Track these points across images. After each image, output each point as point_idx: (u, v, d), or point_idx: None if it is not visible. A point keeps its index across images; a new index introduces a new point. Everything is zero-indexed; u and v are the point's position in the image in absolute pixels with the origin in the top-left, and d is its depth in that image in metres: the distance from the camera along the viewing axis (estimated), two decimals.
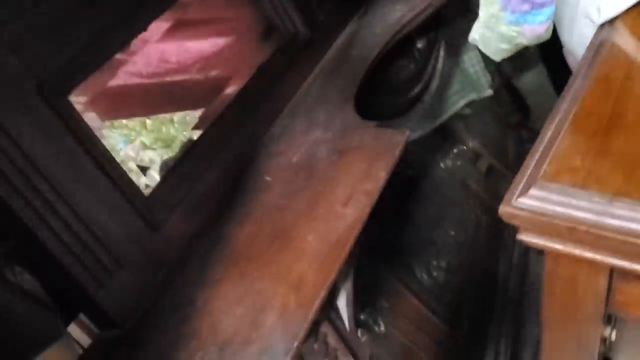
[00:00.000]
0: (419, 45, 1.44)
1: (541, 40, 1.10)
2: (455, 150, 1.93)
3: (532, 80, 2.03)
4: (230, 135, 0.97)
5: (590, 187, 0.61)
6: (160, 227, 0.84)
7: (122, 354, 0.76)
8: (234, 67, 1.16)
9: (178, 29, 1.14)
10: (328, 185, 0.81)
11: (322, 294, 0.65)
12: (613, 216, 0.59)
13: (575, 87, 0.75)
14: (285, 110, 1.05)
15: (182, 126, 1.43)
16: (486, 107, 1.96)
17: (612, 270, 0.64)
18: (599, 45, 0.81)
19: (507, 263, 1.89)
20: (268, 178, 0.89)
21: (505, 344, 1.79)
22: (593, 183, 0.62)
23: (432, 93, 1.57)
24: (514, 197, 0.64)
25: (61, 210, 0.74)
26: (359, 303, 1.02)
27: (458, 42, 1.73)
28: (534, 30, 1.03)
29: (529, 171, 0.66)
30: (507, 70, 1.95)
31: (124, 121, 1.43)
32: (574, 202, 0.61)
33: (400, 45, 1.42)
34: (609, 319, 0.70)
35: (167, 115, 1.43)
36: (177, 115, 1.44)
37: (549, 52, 1.58)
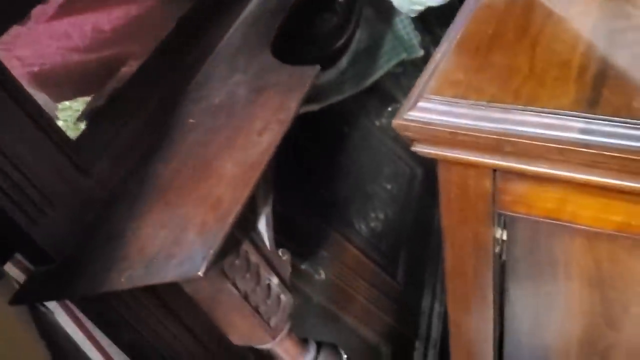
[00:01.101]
0: None
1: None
2: (389, 109, 2.00)
3: None
4: (154, 83, 1.02)
5: (469, 96, 0.69)
6: (89, 170, 0.88)
7: (57, 284, 0.81)
8: (160, 22, 1.20)
9: None
10: (246, 120, 0.87)
11: (238, 208, 0.71)
12: (489, 120, 0.67)
13: (462, 14, 0.82)
14: (209, 59, 1.10)
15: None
16: (417, 66, 2.02)
17: (495, 171, 0.72)
18: None
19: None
20: (192, 120, 0.94)
21: (441, 286, 1.89)
22: (472, 93, 0.69)
23: (356, 51, 1.63)
24: (405, 111, 0.72)
25: None
26: (297, 249, 1.08)
27: (388, 3, 1.78)
28: None
29: (419, 89, 0.73)
30: (436, 30, 2.01)
31: (68, 103, 1.43)
32: (455, 110, 0.69)
33: None
34: (500, 220, 0.78)
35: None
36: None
37: None
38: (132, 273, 0.72)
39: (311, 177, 1.65)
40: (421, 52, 1.82)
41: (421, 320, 1.82)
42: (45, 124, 0.85)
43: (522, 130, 0.65)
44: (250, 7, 1.20)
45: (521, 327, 0.90)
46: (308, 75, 0.88)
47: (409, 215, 1.96)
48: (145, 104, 1.00)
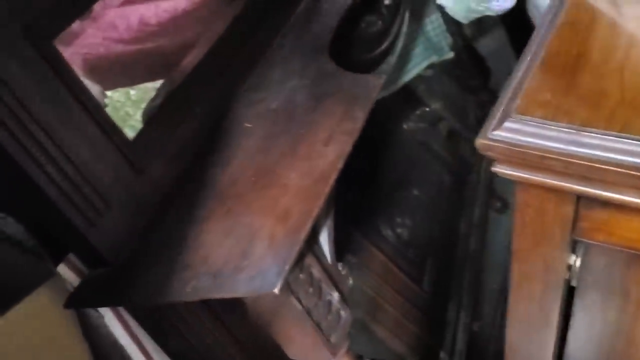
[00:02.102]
0: (387, 1, 1.47)
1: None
2: (417, 112, 1.97)
3: (493, 43, 2.07)
4: (207, 85, 0.99)
5: (559, 119, 0.66)
6: (144, 170, 0.86)
7: (112, 289, 0.79)
8: (209, 21, 1.18)
9: None
10: (308, 128, 0.85)
11: (309, 223, 0.69)
12: (580, 145, 0.64)
13: (542, 32, 0.80)
14: (261, 61, 1.07)
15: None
16: (447, 69, 1.99)
17: (579, 198, 0.70)
18: None
19: (467, 221, 1.95)
20: (248, 125, 0.92)
21: (467, 297, 1.86)
22: (562, 116, 0.67)
23: (397, 51, 1.60)
24: (490, 130, 0.69)
25: (52, 153, 0.75)
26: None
27: (421, 4, 1.76)
28: (502, 5, 1.07)
29: (502, 107, 0.71)
30: (468, 33, 1.98)
31: (109, 93, 1.41)
32: (544, 133, 0.66)
33: (369, 2, 1.45)
34: (575, 247, 0.76)
35: (151, 85, 1.41)
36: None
37: (509, 15, 1.63)
38: (198, 284, 0.69)
39: (338, 181, 1.62)
40: (451, 54, 1.80)
41: (447, 330, 1.79)
42: (104, 122, 0.83)
43: (615, 158, 0.63)
44: (300, 8, 1.18)
45: (583, 355, 0.88)
46: (374, 85, 0.86)
47: (436, 222, 1.93)
48: (200, 104, 0.98)
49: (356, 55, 1.46)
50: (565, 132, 0.65)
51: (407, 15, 1.69)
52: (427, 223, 1.90)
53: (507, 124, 0.68)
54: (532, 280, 0.81)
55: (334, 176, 0.73)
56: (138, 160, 0.85)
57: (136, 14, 1.26)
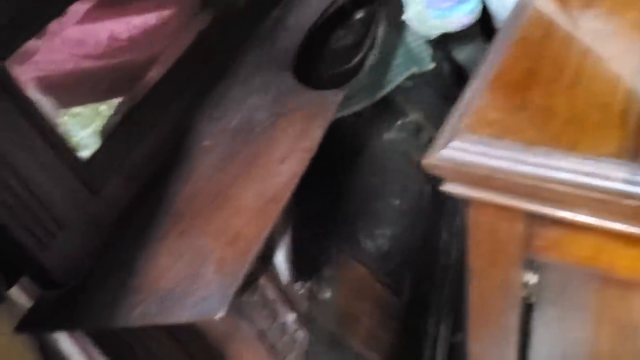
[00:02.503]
0: (357, 16, 1.46)
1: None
2: (398, 123, 1.96)
3: (473, 53, 2.07)
4: (168, 101, 0.99)
5: (506, 137, 0.66)
6: (100, 190, 0.85)
7: (65, 313, 0.78)
8: (176, 37, 1.17)
9: (113, 5, 1.15)
10: (266, 146, 0.84)
11: (258, 246, 0.68)
12: (526, 163, 0.64)
13: (496, 49, 0.79)
14: (224, 78, 1.06)
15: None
16: (428, 80, 1.99)
17: (529, 216, 0.69)
18: (521, 9, 0.85)
19: (448, 231, 1.95)
20: (207, 142, 0.91)
21: (447, 308, 1.85)
22: (509, 134, 0.66)
23: (371, 65, 1.60)
24: (437, 149, 0.68)
25: (2, 174, 0.74)
26: (298, 261, 1.05)
27: (400, 16, 1.75)
28: (461, 21, 1.07)
29: (451, 125, 0.70)
30: (448, 44, 1.98)
31: (78, 109, 1.39)
32: (490, 151, 0.65)
33: (339, 16, 1.44)
34: (531, 265, 0.75)
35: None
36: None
37: (489, 26, 1.63)
38: (146, 309, 0.69)
39: (316, 192, 1.62)
40: (432, 65, 1.79)
41: (426, 342, 1.78)
42: (57, 143, 0.82)
43: (562, 177, 0.62)
44: (266, 25, 1.17)
45: None
46: (332, 101, 0.85)
47: (416, 232, 1.92)
48: (160, 121, 0.97)
49: (327, 70, 1.46)
50: (512, 150, 0.65)
51: (381, 28, 1.69)
52: (407, 233, 1.89)
53: (454, 143, 0.67)
54: (489, 299, 0.80)
55: (287, 196, 0.73)
56: (93, 180, 0.85)
57: (106, 29, 1.25)
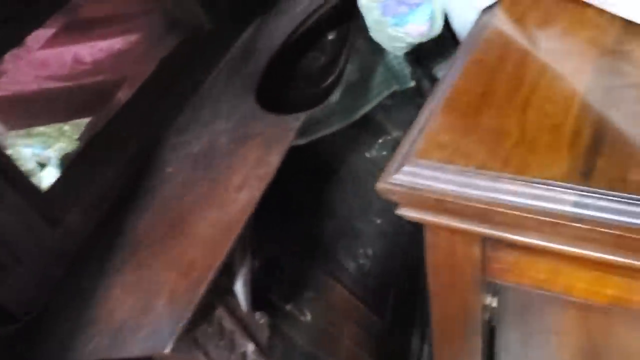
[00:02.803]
0: (330, 37, 1.46)
1: (430, 38, 1.14)
2: (380, 141, 1.96)
3: None
4: (132, 128, 0.98)
5: (456, 161, 0.65)
6: (59, 221, 0.84)
7: (22, 346, 0.76)
8: (142, 61, 1.17)
9: (79, 29, 1.15)
10: (225, 173, 0.83)
11: (210, 276, 0.67)
12: (475, 187, 0.63)
13: (452, 70, 0.79)
14: (191, 103, 1.06)
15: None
16: (408, 97, 1.99)
17: (484, 239, 0.68)
18: (478, 29, 0.85)
19: None
20: (169, 169, 0.90)
21: (431, 328, 1.84)
22: (459, 158, 0.66)
23: (347, 85, 1.60)
24: (390, 175, 0.68)
25: None
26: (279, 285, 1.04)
27: None
28: (418, 29, 1.07)
29: (404, 150, 0.70)
30: (428, 61, 1.98)
31: (42, 128, 1.38)
32: (441, 176, 0.65)
33: (311, 37, 1.44)
34: (490, 287, 0.74)
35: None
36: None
37: None
38: (99, 343, 0.68)
39: (297, 213, 1.61)
40: (412, 83, 1.79)
41: None
42: (14, 174, 0.81)
43: (511, 201, 0.62)
44: (235, 49, 1.17)
45: None
46: (291, 126, 0.85)
47: (399, 251, 1.91)
48: (123, 148, 0.97)
49: (300, 92, 1.45)
50: (462, 174, 0.64)
51: (357, 48, 1.69)
52: (389, 252, 1.88)
53: (405, 168, 0.67)
54: (452, 321, 0.79)
55: (241, 225, 0.72)
56: (52, 211, 0.84)
57: (70, 52, 1.24)
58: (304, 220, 1.62)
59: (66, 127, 1.37)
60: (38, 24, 0.88)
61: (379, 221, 1.87)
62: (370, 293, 1.73)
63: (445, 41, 1.85)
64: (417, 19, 1.04)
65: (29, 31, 0.89)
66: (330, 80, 1.51)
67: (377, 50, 1.78)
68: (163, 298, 0.68)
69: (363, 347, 1.64)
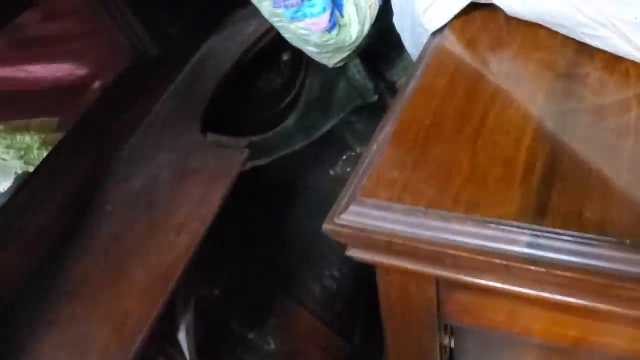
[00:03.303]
0: (285, 57, 1.42)
1: (334, 39, 1.10)
2: (344, 157, 1.93)
3: None
4: (72, 162, 0.93)
5: (405, 200, 0.61)
6: None
7: None
8: (82, 89, 1.11)
9: (14, 52, 1.09)
10: (166, 212, 0.79)
11: (145, 330, 0.62)
12: (425, 227, 0.59)
13: (402, 98, 0.75)
14: (136, 133, 1.01)
15: (40, 132, 1.29)
16: (372, 112, 1.96)
17: (438, 280, 0.64)
18: (428, 53, 0.81)
19: None
20: (109, 207, 0.85)
21: None
22: (408, 196, 0.62)
23: (305, 104, 1.56)
24: (337, 214, 0.64)
25: None
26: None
27: None
28: (317, 24, 1.02)
29: (352, 187, 0.66)
30: (390, 75, 1.96)
31: None
32: (389, 216, 0.61)
33: (265, 59, 1.40)
34: (446, 327, 0.71)
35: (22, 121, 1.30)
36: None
37: None
38: None
39: (259, 236, 1.57)
40: (375, 98, 1.76)
41: None
42: None
43: (462, 241, 0.58)
44: (183, 74, 1.12)
45: None
46: (235, 161, 0.80)
47: (365, 271, 1.86)
48: (60, 185, 0.91)
49: (257, 115, 1.41)
50: (411, 214, 0.60)
51: (314, 65, 1.66)
52: (357, 272, 1.84)
53: (352, 207, 0.63)
54: None
55: (178, 273, 0.67)
56: None
57: (11, 72, 1.18)
58: (266, 242, 1.58)
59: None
60: None
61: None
62: (337, 316, 1.69)
63: (406, 53, 1.82)
64: (314, 11, 0.99)
65: None
66: (286, 101, 1.48)
67: (340, 66, 1.75)
68: (95, 356, 0.63)
69: None
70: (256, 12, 1.18)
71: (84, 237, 0.82)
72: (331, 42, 1.12)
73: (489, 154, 0.64)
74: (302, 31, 1.06)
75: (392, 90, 2.00)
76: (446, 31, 0.84)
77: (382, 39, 1.42)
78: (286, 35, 1.11)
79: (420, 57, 0.82)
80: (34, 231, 0.85)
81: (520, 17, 0.79)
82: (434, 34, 0.86)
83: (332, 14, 1.05)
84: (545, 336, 0.64)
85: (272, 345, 1.53)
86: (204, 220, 0.72)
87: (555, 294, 0.57)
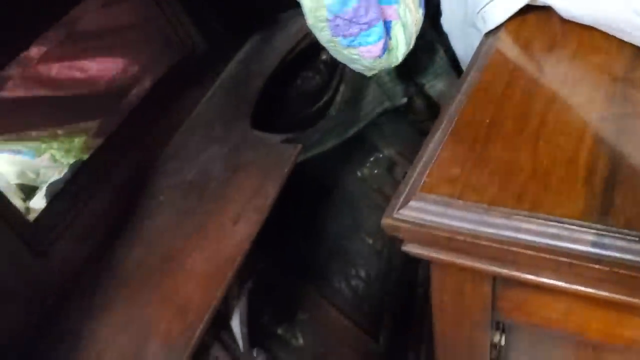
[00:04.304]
0: (324, 57, 1.44)
1: (383, 63, 1.12)
2: (371, 159, 1.94)
3: (445, 87, 2.05)
4: (124, 153, 0.95)
5: (466, 197, 0.62)
6: (46, 253, 0.80)
7: None
8: (130, 85, 1.13)
9: (71, 45, 1.11)
10: (220, 203, 0.80)
11: (206, 317, 0.64)
12: (488, 225, 0.60)
13: (458, 97, 0.76)
14: (183, 127, 1.02)
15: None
16: (401, 115, 1.97)
17: (495, 278, 0.65)
18: (483, 54, 0.82)
19: (425, 269, 1.91)
20: (161, 198, 0.87)
21: (426, 349, 1.81)
22: (470, 193, 0.62)
23: (340, 104, 1.57)
24: (395, 210, 0.64)
25: None
26: (261, 321, 1.00)
27: None
28: (370, 51, 1.05)
29: (410, 183, 0.66)
30: (420, 79, 1.97)
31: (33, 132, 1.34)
32: (451, 212, 0.62)
33: (306, 58, 1.42)
34: (498, 325, 0.71)
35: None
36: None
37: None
38: None
39: (289, 233, 1.58)
40: (404, 101, 1.77)
41: None
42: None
43: (526, 239, 0.59)
44: (228, 70, 1.14)
45: None
46: (288, 155, 0.81)
47: (392, 272, 1.88)
48: (114, 175, 0.93)
49: (295, 112, 1.43)
50: (473, 211, 0.61)
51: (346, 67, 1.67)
52: (383, 274, 1.85)
53: (412, 203, 0.63)
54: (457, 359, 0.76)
55: (238, 261, 0.68)
56: (38, 243, 0.80)
57: (56, 72, 1.20)
58: (296, 239, 1.59)
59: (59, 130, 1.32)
60: (35, 36, 0.84)
61: (370, 241, 1.84)
62: (364, 315, 1.70)
63: (436, 57, 1.83)
64: (369, 40, 1.02)
65: (27, 43, 0.85)
66: (324, 100, 1.49)
67: None
68: (157, 339, 0.65)
69: None
70: (299, 13, 1.20)
71: (137, 226, 0.84)
72: (380, 65, 1.14)
73: (550, 154, 0.64)
74: (355, 56, 1.08)
75: (422, 94, 2.00)
76: (501, 32, 0.84)
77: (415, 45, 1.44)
78: (337, 57, 1.13)
79: (475, 57, 0.83)
80: (86, 220, 0.87)
81: (577, 21, 0.79)
82: (487, 34, 0.86)
83: (385, 42, 1.07)
84: (599, 336, 0.64)
85: (301, 341, 1.54)
86: (261, 211, 0.73)
87: (616, 293, 0.58)
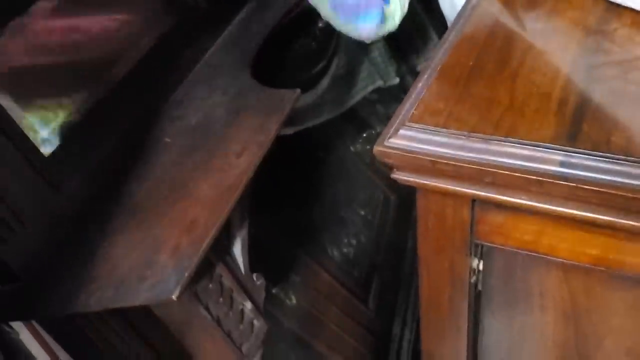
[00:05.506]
0: (320, 24, 1.50)
1: (380, 32, 1.18)
2: (364, 135, 2.00)
3: None
4: (130, 101, 1.01)
5: (450, 126, 0.69)
6: (61, 186, 0.86)
7: (23, 304, 0.78)
8: (137, 38, 1.19)
9: (76, 5, 1.16)
10: (224, 141, 0.86)
11: (213, 232, 0.70)
12: (469, 149, 0.67)
13: (445, 45, 0.83)
14: (187, 79, 1.09)
15: None
16: (393, 93, 2.03)
17: (474, 201, 0.72)
18: (470, 9, 0.89)
19: (414, 238, 1.97)
20: (167, 139, 0.93)
21: (412, 314, 1.88)
22: (453, 123, 0.69)
23: (334, 77, 1.63)
24: (386, 138, 0.71)
25: None
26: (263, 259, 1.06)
27: None
28: (366, 29, 1.12)
29: (400, 116, 0.73)
30: (412, 58, 2.02)
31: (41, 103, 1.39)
32: (436, 139, 0.69)
33: (302, 24, 1.48)
34: (476, 251, 0.78)
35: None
36: None
37: None
38: (102, 295, 0.70)
39: (285, 201, 1.64)
40: (397, 80, 1.83)
41: (391, 347, 1.80)
42: (18, 138, 0.83)
43: (502, 161, 0.65)
44: (230, 28, 1.20)
45: (494, 358, 0.90)
46: (288, 98, 0.88)
47: (382, 241, 1.95)
48: (121, 120, 0.99)
49: (291, 76, 1.49)
50: (455, 137, 0.68)
51: (342, 37, 1.73)
52: (373, 242, 1.91)
53: (401, 132, 0.70)
54: (439, 286, 0.83)
55: (242, 185, 0.75)
56: (55, 177, 0.86)
57: (67, 27, 1.25)
58: (292, 207, 1.65)
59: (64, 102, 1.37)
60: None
61: (362, 212, 1.90)
62: (355, 280, 1.77)
63: (428, 39, 1.89)
64: (367, 21, 1.10)
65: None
66: (320, 66, 1.55)
67: (362, 45, 1.82)
68: (167, 252, 0.71)
69: (348, 333, 1.67)
70: None
71: (145, 164, 0.90)
72: (379, 34, 1.21)
73: (526, 90, 0.71)
74: (353, 32, 1.15)
75: (414, 74, 2.06)
76: None
77: (408, 24, 1.50)
78: (335, 27, 1.19)
79: (461, 13, 0.89)
80: (97, 158, 0.93)
81: None
82: None
83: (382, 19, 1.14)
84: (568, 255, 0.71)
85: (294, 301, 1.60)
86: (263, 144, 0.79)
87: (583, 210, 0.65)
